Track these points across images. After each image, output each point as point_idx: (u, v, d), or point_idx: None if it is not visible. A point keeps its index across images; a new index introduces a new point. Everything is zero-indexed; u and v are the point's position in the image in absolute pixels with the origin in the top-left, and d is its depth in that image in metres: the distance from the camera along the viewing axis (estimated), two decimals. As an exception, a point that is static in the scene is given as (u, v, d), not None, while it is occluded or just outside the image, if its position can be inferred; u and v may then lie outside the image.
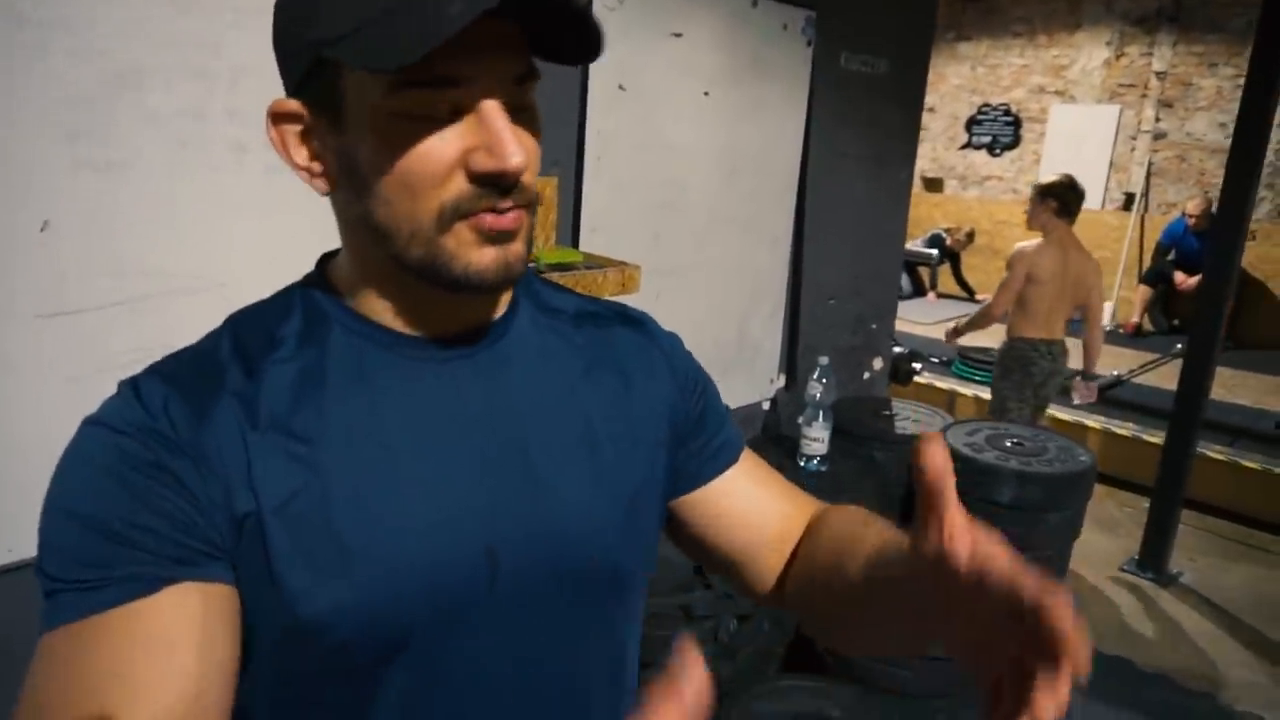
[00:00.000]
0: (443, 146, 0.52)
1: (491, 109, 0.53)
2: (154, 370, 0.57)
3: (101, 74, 1.18)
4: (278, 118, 0.56)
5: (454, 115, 0.53)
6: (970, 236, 7.74)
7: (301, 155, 0.57)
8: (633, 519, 0.66)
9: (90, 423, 0.54)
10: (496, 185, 0.54)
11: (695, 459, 0.74)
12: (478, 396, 0.61)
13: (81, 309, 1.23)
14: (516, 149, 0.52)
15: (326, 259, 0.65)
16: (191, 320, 1.32)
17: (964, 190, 8.19)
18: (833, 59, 2.52)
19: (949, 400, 4.91)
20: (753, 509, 0.75)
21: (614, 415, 0.67)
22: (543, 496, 0.61)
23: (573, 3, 0.51)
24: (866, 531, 0.64)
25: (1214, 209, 6.18)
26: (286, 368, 0.57)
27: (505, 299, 0.65)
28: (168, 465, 0.52)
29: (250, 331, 0.59)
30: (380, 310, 0.60)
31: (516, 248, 0.56)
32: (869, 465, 2.49)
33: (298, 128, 0.56)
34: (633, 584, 0.68)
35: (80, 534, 0.51)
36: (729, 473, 0.76)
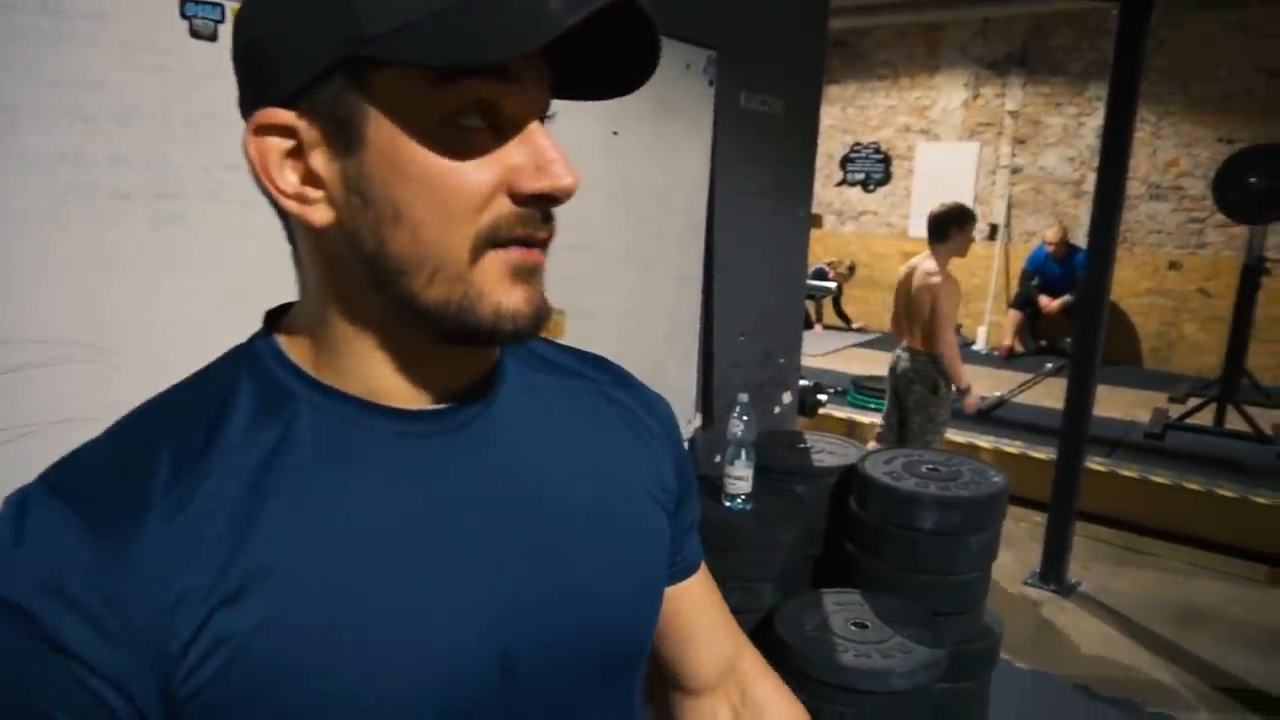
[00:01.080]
0: (487, 163, 0.46)
1: (538, 126, 0.47)
2: (53, 485, 0.44)
3: (-41, 116, 1.04)
4: (263, 130, 0.46)
5: (495, 132, 0.46)
6: (851, 270, 8.06)
7: (287, 179, 0.46)
8: (650, 589, 0.61)
9: None
10: (541, 209, 0.47)
11: (674, 548, 0.68)
12: (476, 472, 0.52)
13: (-62, 384, 1.06)
14: (569, 169, 0.46)
15: (273, 318, 0.54)
16: (71, 393, 1.17)
17: (842, 225, 8.53)
18: (733, 98, 2.54)
19: (848, 427, 5.03)
20: (704, 632, 0.73)
21: (622, 475, 0.60)
22: (557, 579, 0.53)
23: (656, 30, 0.46)
24: None
25: (1069, 237, 6.68)
26: (235, 462, 0.46)
27: (494, 351, 0.56)
28: (62, 641, 0.41)
29: (181, 416, 0.48)
30: (358, 379, 0.50)
31: (541, 289, 0.49)
32: (793, 500, 2.48)
33: (286, 145, 0.46)
34: (644, 654, 0.61)
35: None
36: (688, 581, 0.72)
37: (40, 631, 0.40)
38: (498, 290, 0.47)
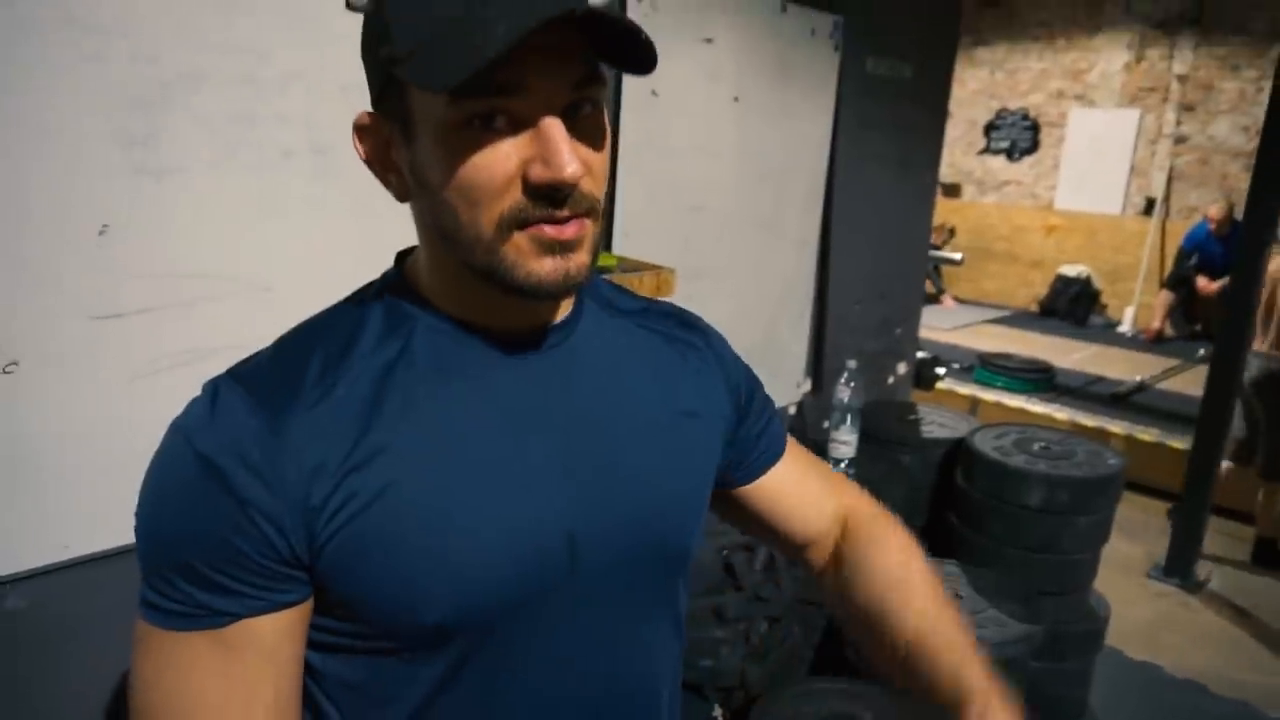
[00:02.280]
0: (501, 158, 0.54)
1: (548, 120, 0.54)
2: (235, 376, 0.58)
3: (156, 80, 1.21)
4: (361, 130, 0.60)
5: (513, 127, 0.54)
6: (952, 233, 7.70)
7: (381, 164, 0.60)
8: (697, 497, 0.72)
9: (175, 430, 0.57)
10: (551, 197, 0.55)
11: (748, 450, 0.81)
12: (553, 389, 0.64)
13: (136, 310, 1.26)
14: (571, 159, 0.54)
15: (403, 257, 0.67)
16: (240, 322, 1.35)
17: (982, 195, 8.17)
18: (859, 64, 2.52)
19: (972, 406, 4.90)
20: (798, 506, 0.85)
21: (678, 401, 0.71)
22: (617, 483, 0.64)
23: (618, 20, 0.52)
24: (904, 609, 0.78)
25: (1236, 213, 6.13)
26: (366, 366, 0.59)
27: (569, 300, 0.67)
28: (243, 493, 0.54)
29: (328, 330, 0.61)
30: (457, 308, 0.62)
31: (579, 258, 0.58)
32: (896, 469, 2.49)
33: (377, 139, 0.59)
34: (692, 556, 0.72)
35: (164, 561, 0.55)
36: (777, 467, 0.84)
37: (225, 480, 0.54)
38: (528, 262, 0.56)
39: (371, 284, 0.65)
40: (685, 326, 0.77)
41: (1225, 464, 3.54)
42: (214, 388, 0.58)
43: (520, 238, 0.56)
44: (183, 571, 0.54)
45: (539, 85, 0.53)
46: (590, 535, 0.62)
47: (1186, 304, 6.59)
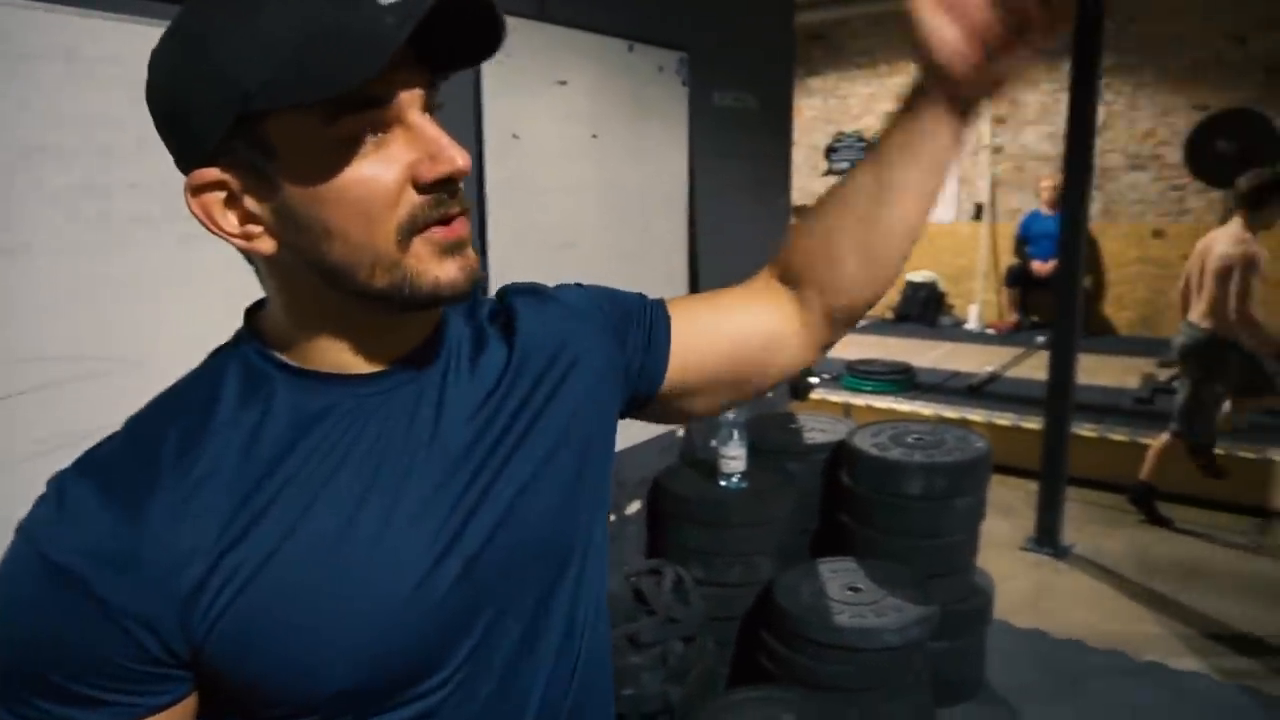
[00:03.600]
0: (386, 165, 0.53)
1: (421, 118, 0.54)
2: (81, 466, 0.54)
3: (2, 156, 1.15)
4: (198, 189, 0.54)
5: (383, 134, 0.53)
6: None
7: (230, 222, 0.55)
8: (579, 492, 0.69)
9: (21, 535, 0.53)
10: (447, 191, 0.55)
11: (643, 356, 0.76)
12: (426, 417, 0.61)
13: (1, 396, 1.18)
14: (458, 149, 0.54)
15: (251, 314, 0.63)
16: (110, 403, 1.29)
17: (830, 214, 8.62)
18: (706, 97, 2.66)
19: (845, 411, 5.13)
20: (720, 330, 0.79)
21: (550, 393, 0.68)
22: (501, 496, 0.62)
23: (490, 5, 0.53)
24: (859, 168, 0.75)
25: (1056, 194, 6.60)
26: (228, 436, 0.55)
27: (432, 321, 0.64)
28: (105, 596, 0.50)
29: (182, 404, 0.57)
30: (322, 358, 0.59)
31: (471, 254, 0.58)
32: (786, 477, 2.59)
33: (221, 195, 0.54)
34: (581, 550, 0.69)
35: (17, 678, 0.51)
36: (675, 332, 0.77)
37: (82, 585, 0.50)
38: (432, 268, 0.55)
39: (220, 349, 0.61)
40: (529, 298, 0.73)
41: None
42: (59, 484, 0.53)
43: (419, 245, 0.55)
44: (38, 687, 0.51)
45: (402, 93, 0.53)
46: (482, 554, 0.60)
47: (1023, 297, 7.17)
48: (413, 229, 0.55)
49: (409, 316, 0.60)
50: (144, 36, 1.29)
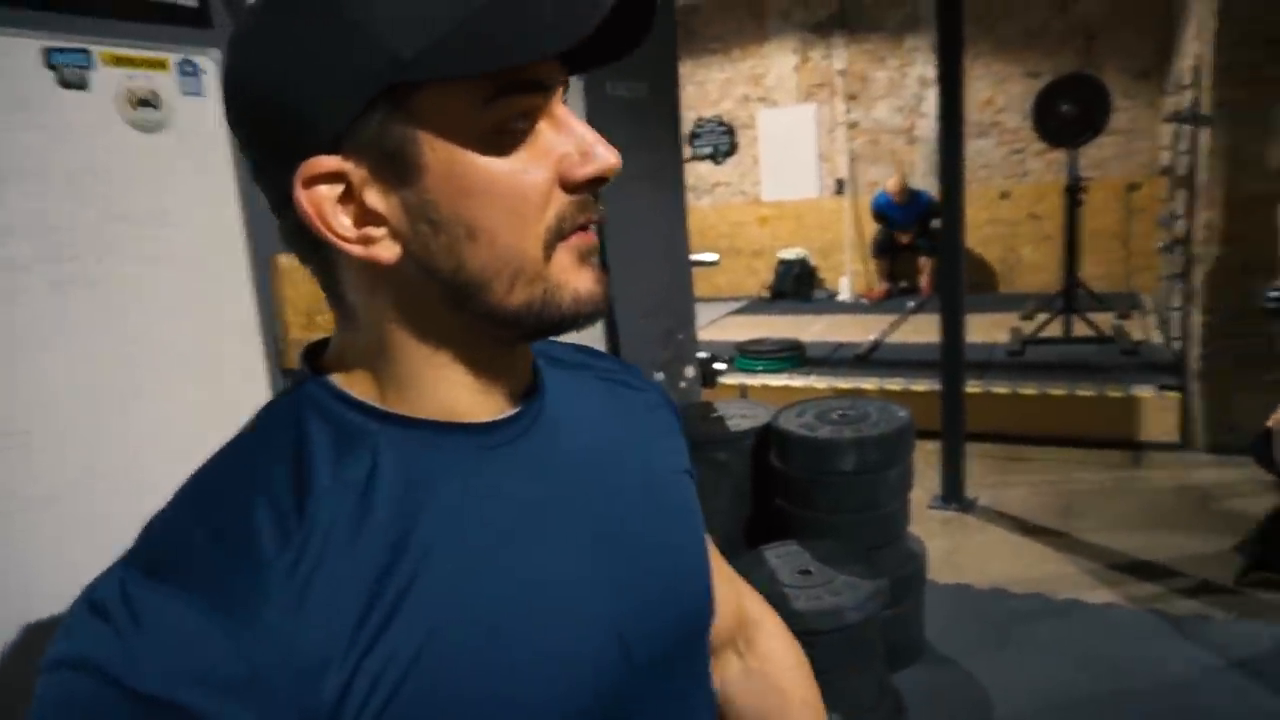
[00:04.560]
0: (539, 160, 0.47)
1: (568, 113, 0.48)
2: (145, 566, 0.42)
3: None
4: (311, 181, 0.45)
5: (533, 126, 0.47)
6: None
7: (344, 224, 0.46)
8: (705, 554, 0.64)
9: (70, 669, 0.40)
10: (592, 192, 0.48)
11: None
12: (550, 471, 0.53)
13: None
14: (610, 147, 0.48)
15: (314, 356, 0.53)
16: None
17: (698, 200, 8.73)
18: (599, 87, 2.58)
19: (741, 393, 5.19)
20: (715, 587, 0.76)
21: (656, 449, 0.64)
22: (646, 558, 0.56)
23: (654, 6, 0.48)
24: None
25: (908, 182, 7.03)
26: (334, 510, 0.45)
27: (530, 362, 0.57)
28: None
29: (259, 475, 0.46)
30: (435, 401, 0.50)
31: (600, 268, 0.51)
32: (717, 467, 2.57)
33: (338, 189, 0.45)
34: (714, 611, 0.65)
35: None
36: None
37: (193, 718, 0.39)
38: (572, 279, 0.48)
39: (285, 399, 0.51)
40: (629, 373, 0.69)
41: None
42: (119, 591, 0.41)
43: (562, 251, 0.48)
44: None
45: (555, 80, 0.47)
46: (637, 628, 0.53)
47: (890, 265, 7.50)
48: (559, 234, 0.48)
49: (522, 350, 0.53)
50: (7, 52, 1.11)
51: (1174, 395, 4.25)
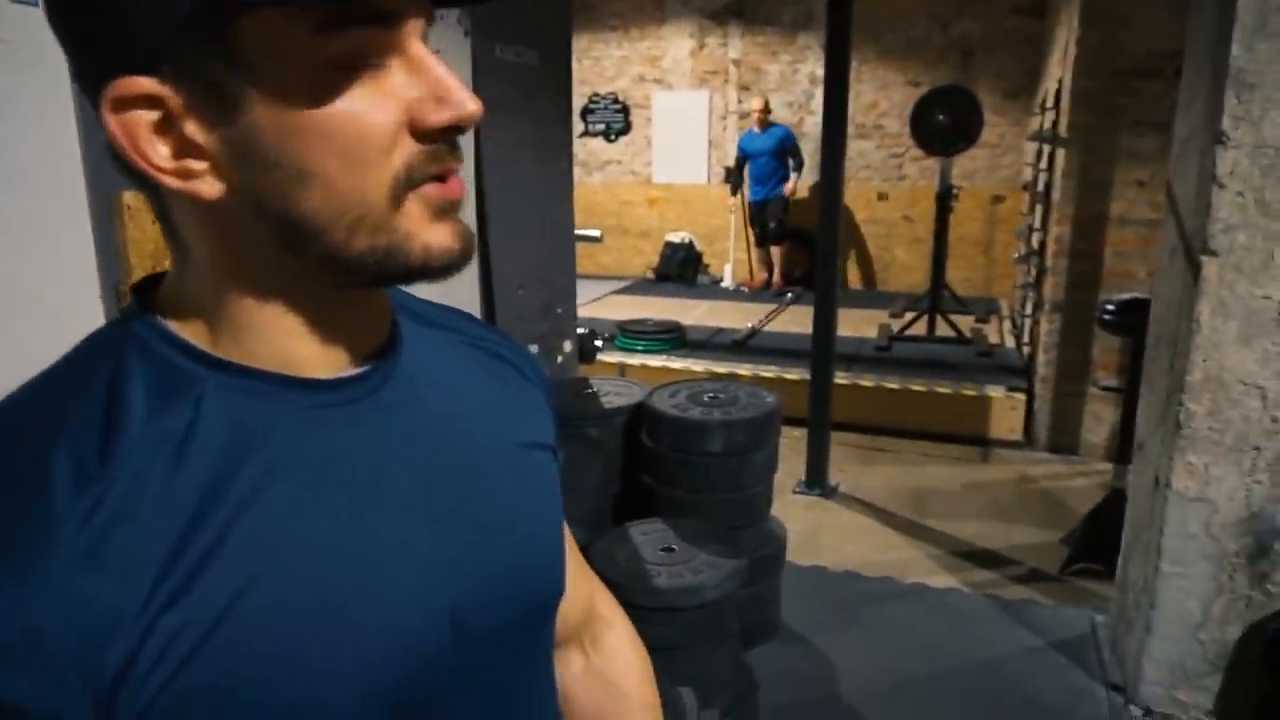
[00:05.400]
0: (384, 101, 0.42)
1: (425, 52, 0.43)
2: None
3: None
4: (121, 104, 0.40)
5: (379, 64, 0.42)
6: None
7: (160, 154, 0.41)
8: (557, 528, 0.62)
9: None
10: (447, 140, 0.44)
11: None
12: (396, 433, 0.50)
13: None
14: (469, 93, 0.43)
15: (144, 292, 0.48)
16: None
17: (588, 176, 8.67)
18: (489, 50, 2.51)
19: (619, 371, 5.20)
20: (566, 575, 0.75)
21: (522, 431, 0.60)
22: (489, 532, 0.53)
23: None
24: None
25: (770, 114, 7.01)
26: (146, 456, 0.41)
27: (388, 315, 0.53)
28: None
29: (63, 417, 0.42)
30: (268, 351, 0.46)
31: (465, 221, 0.47)
32: (588, 444, 2.56)
33: (153, 116, 0.41)
34: (562, 593, 0.63)
35: None
36: None
37: None
38: (423, 231, 0.45)
39: (105, 336, 0.46)
40: (504, 343, 0.65)
41: None
42: None
43: (413, 201, 0.44)
44: None
45: (406, 13, 0.42)
46: (471, 601, 0.51)
47: (767, 254, 7.67)
48: (409, 184, 0.43)
49: (371, 301, 0.49)
50: None
51: (1020, 396, 4.54)
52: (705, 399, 2.64)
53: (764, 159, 7.16)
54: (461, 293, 2.51)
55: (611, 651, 0.77)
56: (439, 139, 0.44)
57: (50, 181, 1.58)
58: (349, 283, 0.46)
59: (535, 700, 0.60)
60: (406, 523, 0.49)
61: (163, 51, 0.39)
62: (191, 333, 0.46)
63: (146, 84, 0.40)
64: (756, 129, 7.18)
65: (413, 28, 0.43)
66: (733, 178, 7.50)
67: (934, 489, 4.01)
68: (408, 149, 0.43)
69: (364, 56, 0.42)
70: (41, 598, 0.38)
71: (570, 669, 0.75)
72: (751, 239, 7.72)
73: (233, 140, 0.41)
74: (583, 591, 0.75)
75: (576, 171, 8.76)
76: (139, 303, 0.47)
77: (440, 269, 0.46)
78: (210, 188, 0.42)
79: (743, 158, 7.32)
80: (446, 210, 0.46)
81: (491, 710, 0.54)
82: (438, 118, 0.43)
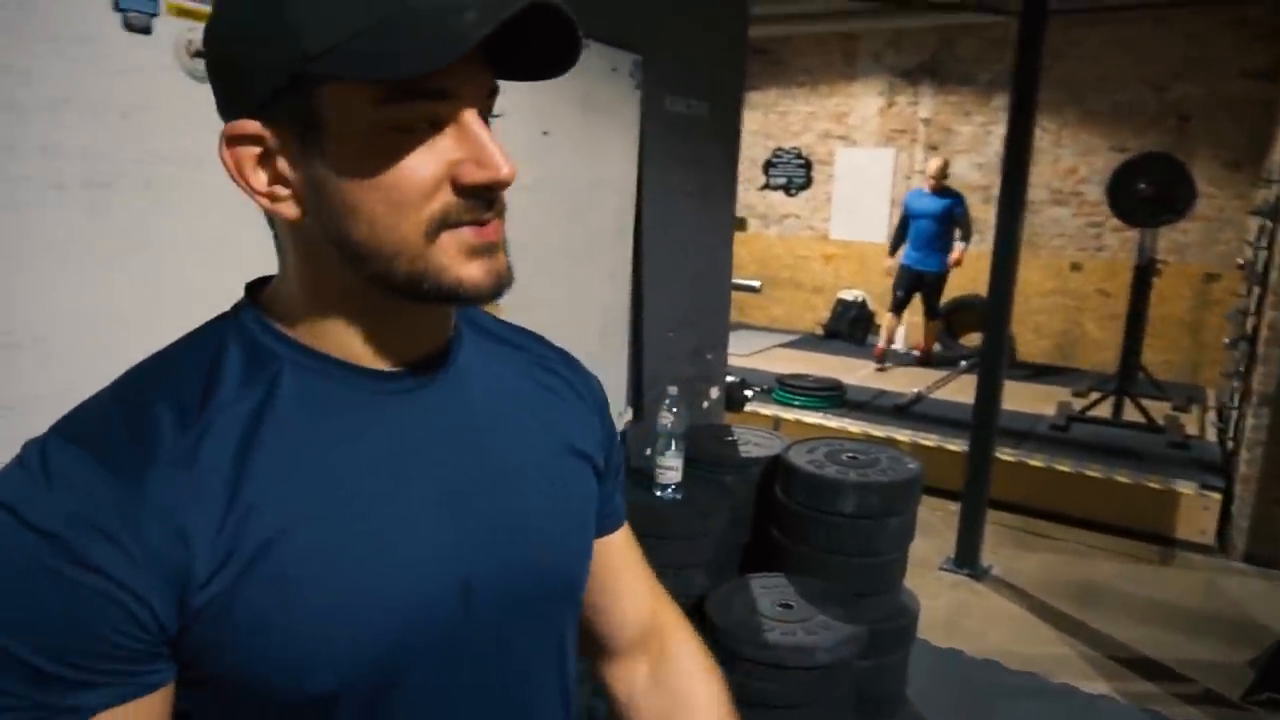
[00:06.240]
0: (430, 160, 0.51)
1: (474, 121, 0.52)
2: (67, 432, 0.51)
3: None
4: (234, 140, 0.52)
5: (435, 128, 0.52)
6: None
7: (259, 180, 0.53)
8: (584, 535, 0.69)
9: None
10: (484, 197, 0.53)
11: (600, 505, 0.75)
12: (441, 425, 0.59)
13: None
14: (505, 159, 0.52)
15: (256, 289, 0.60)
16: (8, 378, 1.16)
17: (766, 228, 8.72)
18: (659, 101, 2.62)
19: (775, 424, 5.16)
20: (627, 591, 0.80)
21: (562, 436, 0.68)
22: (509, 520, 0.60)
23: (570, 18, 0.51)
24: None
25: (948, 173, 6.45)
26: (230, 415, 0.52)
27: (450, 324, 0.62)
28: (93, 562, 0.47)
29: (179, 376, 0.54)
30: (337, 342, 0.56)
31: (504, 259, 0.56)
32: (721, 490, 2.56)
33: (256, 150, 0.53)
34: (581, 594, 0.69)
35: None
36: (616, 537, 0.79)
37: (75, 554, 0.47)
38: (456, 265, 0.53)
39: (220, 320, 0.58)
40: (564, 362, 0.74)
41: None
42: (40, 450, 0.50)
43: (447, 239, 0.53)
44: (13, 669, 0.47)
45: (462, 91, 0.52)
46: (483, 579, 0.58)
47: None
48: (442, 224, 0.53)
49: (426, 313, 0.58)
50: (63, -15, 1.18)
51: (1216, 496, 4.09)
52: (844, 458, 2.59)
53: (928, 222, 6.42)
54: (613, 331, 2.61)
55: (677, 663, 0.80)
56: (476, 194, 0.53)
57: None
58: (403, 299, 0.55)
59: (541, 687, 0.65)
60: (432, 500, 0.57)
61: (266, 104, 0.51)
62: (280, 321, 0.57)
63: (252, 126, 0.52)
64: (927, 189, 6.51)
65: (467, 100, 0.52)
66: (894, 236, 6.82)
67: (1099, 585, 3.68)
68: (446, 198, 0.52)
69: (419, 122, 0.51)
70: (140, 499, 0.48)
71: (635, 679, 0.79)
72: (891, 301, 6.89)
73: (308, 176, 0.52)
74: (645, 602, 0.80)
75: (754, 224, 8.87)
76: (247, 296, 0.59)
77: (471, 298, 0.54)
78: (291, 210, 0.54)
79: (906, 216, 6.64)
80: (481, 251, 0.54)
81: (495, 686, 0.60)
82: (474, 177, 0.52)
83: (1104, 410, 5.22)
